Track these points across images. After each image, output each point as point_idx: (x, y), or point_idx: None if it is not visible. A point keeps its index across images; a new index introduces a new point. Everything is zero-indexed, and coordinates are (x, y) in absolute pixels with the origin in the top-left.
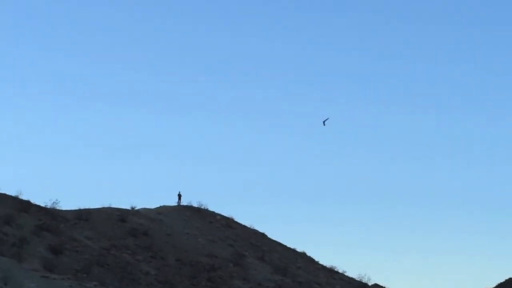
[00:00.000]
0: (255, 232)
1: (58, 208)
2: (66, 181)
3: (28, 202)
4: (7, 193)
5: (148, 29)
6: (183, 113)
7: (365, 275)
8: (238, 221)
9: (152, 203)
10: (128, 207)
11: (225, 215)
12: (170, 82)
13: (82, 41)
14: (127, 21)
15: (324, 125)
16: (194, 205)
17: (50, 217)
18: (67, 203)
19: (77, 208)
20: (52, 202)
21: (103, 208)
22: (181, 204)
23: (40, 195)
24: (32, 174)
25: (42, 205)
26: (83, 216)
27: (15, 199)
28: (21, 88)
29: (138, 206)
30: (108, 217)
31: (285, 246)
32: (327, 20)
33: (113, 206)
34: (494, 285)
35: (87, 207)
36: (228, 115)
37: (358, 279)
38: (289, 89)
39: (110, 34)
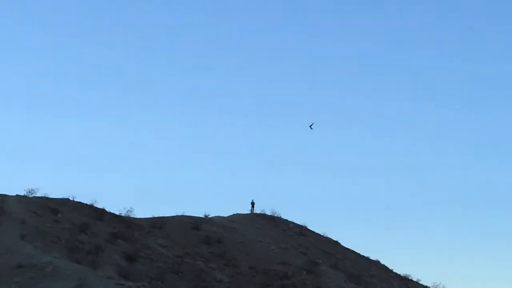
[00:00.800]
0: (328, 240)
1: (132, 216)
2: (140, 189)
3: (103, 210)
4: (82, 202)
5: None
6: (258, 119)
7: (440, 283)
8: (311, 229)
9: (225, 211)
10: (202, 215)
11: (298, 223)
12: (246, 84)
13: (161, 44)
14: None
15: (311, 129)
16: (267, 213)
17: (125, 225)
18: (141, 211)
19: (151, 216)
20: (126, 210)
21: (177, 216)
22: (254, 212)
23: (114, 203)
24: (107, 183)
25: (117, 213)
26: (157, 224)
27: (90, 207)
28: (93, 96)
29: (212, 214)
30: (182, 225)
31: (358, 254)
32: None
33: (187, 214)
34: None
35: (161, 215)
36: (300, 120)
37: None
38: (367, 90)
39: (183, 34)
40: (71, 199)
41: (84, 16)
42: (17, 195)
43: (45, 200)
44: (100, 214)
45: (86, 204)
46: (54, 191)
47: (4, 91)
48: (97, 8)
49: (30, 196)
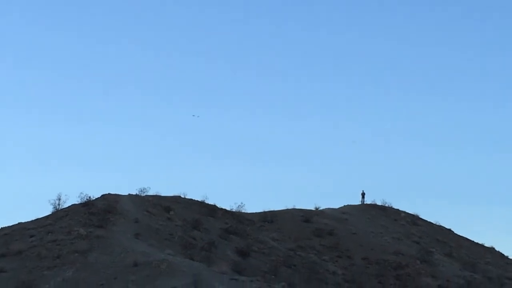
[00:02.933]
0: (441, 228)
1: (243, 211)
2: (250, 184)
3: (214, 206)
4: (193, 199)
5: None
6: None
7: None
8: (423, 217)
9: (336, 203)
10: (312, 208)
11: (409, 212)
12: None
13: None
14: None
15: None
16: (378, 203)
17: (236, 220)
18: (252, 206)
19: (262, 211)
20: (237, 205)
21: (288, 209)
22: (364, 202)
23: (225, 199)
24: (217, 179)
25: (228, 208)
26: (268, 218)
27: (202, 204)
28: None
29: (322, 206)
30: (293, 218)
31: (472, 241)
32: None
33: (297, 207)
34: None
35: (272, 209)
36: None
37: None
38: None
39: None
40: (182, 196)
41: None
42: (129, 194)
43: (157, 198)
44: (212, 210)
45: (198, 201)
46: (166, 189)
47: (120, 94)
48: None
49: (142, 195)
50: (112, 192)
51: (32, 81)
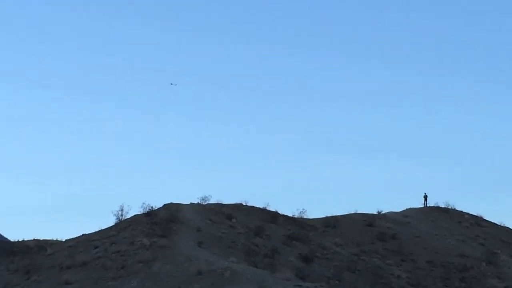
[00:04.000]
0: (506, 229)
1: (305, 217)
2: (312, 189)
3: (276, 213)
4: (255, 206)
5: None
6: (414, 112)
7: None
8: (487, 218)
9: (398, 206)
10: (375, 212)
11: (473, 213)
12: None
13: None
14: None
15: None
16: (440, 206)
17: (299, 226)
18: (314, 211)
19: (324, 216)
20: (299, 211)
21: (350, 214)
22: (427, 205)
23: (287, 205)
24: (278, 185)
25: (290, 215)
26: (330, 223)
27: (264, 211)
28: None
29: (384, 210)
30: (355, 222)
31: None
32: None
33: (360, 211)
34: None
35: (334, 214)
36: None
37: None
38: None
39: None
40: (244, 204)
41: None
42: (191, 203)
43: (219, 206)
44: (274, 217)
45: (259, 208)
46: (227, 197)
47: (176, 101)
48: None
49: (204, 203)
50: (173, 201)
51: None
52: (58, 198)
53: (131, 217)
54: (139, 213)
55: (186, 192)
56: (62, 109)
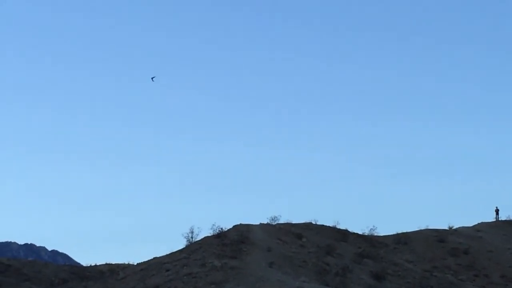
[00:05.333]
0: None
1: (376, 234)
2: (382, 206)
3: (346, 231)
4: (325, 224)
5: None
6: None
7: None
8: None
9: (469, 221)
10: (446, 227)
11: None
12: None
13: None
14: None
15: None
16: None
17: (369, 244)
18: (385, 228)
19: (395, 233)
20: (369, 228)
21: (421, 230)
22: (499, 219)
23: (357, 223)
24: (348, 203)
25: (360, 232)
26: (401, 240)
27: (334, 229)
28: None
29: (456, 225)
30: (426, 238)
31: None
32: None
33: (431, 227)
34: None
35: (404, 231)
36: None
37: None
38: None
39: None
40: (313, 222)
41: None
42: (261, 223)
43: (288, 226)
44: (344, 235)
45: (329, 226)
46: (297, 217)
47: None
48: None
49: (273, 223)
50: (243, 222)
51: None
52: (129, 222)
53: (202, 239)
54: (209, 235)
55: (256, 213)
56: (128, 137)
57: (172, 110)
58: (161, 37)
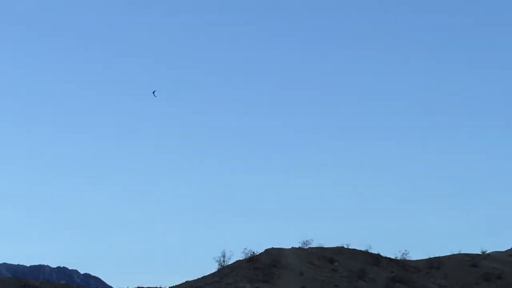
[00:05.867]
0: None
1: (408, 258)
2: (414, 230)
3: (378, 255)
4: (357, 249)
5: None
6: None
7: None
8: None
9: (503, 245)
10: (479, 252)
11: None
12: None
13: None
14: None
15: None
16: None
17: (402, 268)
18: (417, 253)
19: (427, 257)
20: (401, 253)
21: (454, 254)
22: None
23: (389, 247)
24: (380, 227)
25: (392, 257)
26: (434, 264)
27: (366, 253)
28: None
29: (489, 249)
30: (459, 263)
31: None
32: None
33: (463, 251)
34: None
35: (437, 255)
36: None
37: None
38: None
39: None
40: (345, 247)
41: None
42: (292, 247)
43: (320, 250)
44: (376, 259)
45: (361, 250)
46: (329, 240)
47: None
48: None
49: (305, 247)
50: (275, 246)
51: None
52: (161, 245)
53: (234, 263)
54: (241, 258)
55: (287, 236)
56: (160, 161)
57: (201, 132)
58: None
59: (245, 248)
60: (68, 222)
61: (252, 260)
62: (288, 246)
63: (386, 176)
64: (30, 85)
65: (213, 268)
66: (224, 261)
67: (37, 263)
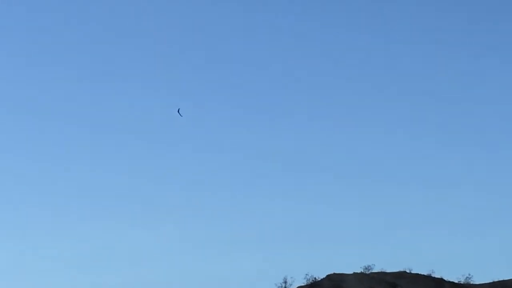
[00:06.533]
0: None
1: (471, 282)
2: (477, 253)
3: (441, 279)
4: (419, 273)
5: None
6: None
7: None
8: None
9: None
10: None
11: None
12: None
13: None
14: None
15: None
16: None
17: None
18: (480, 276)
19: (491, 281)
20: (465, 277)
21: None
22: None
23: (452, 271)
24: (442, 251)
25: (456, 281)
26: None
27: (428, 278)
28: None
29: None
30: None
31: None
32: None
33: None
34: None
35: (501, 279)
36: None
37: None
38: None
39: None
40: (407, 271)
41: None
42: (354, 272)
43: (382, 275)
44: (439, 283)
45: (423, 275)
46: (390, 265)
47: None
48: None
49: (367, 272)
50: (336, 271)
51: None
52: (222, 271)
53: None
54: (302, 284)
55: (349, 261)
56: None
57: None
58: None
59: (306, 274)
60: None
61: (313, 286)
62: (350, 271)
63: (448, 198)
64: None
65: None
66: (285, 287)
67: None
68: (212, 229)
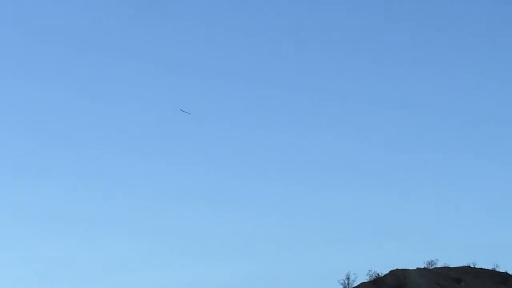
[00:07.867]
0: None
1: None
2: None
3: (506, 274)
4: (484, 267)
5: None
6: None
7: None
8: None
9: None
10: None
11: None
12: None
13: None
14: None
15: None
16: None
17: None
18: None
19: None
20: None
21: None
22: None
23: None
24: (507, 245)
25: None
26: None
27: (493, 272)
28: None
29: None
30: None
31: None
32: None
33: None
34: None
35: None
36: None
37: None
38: None
39: None
40: (472, 266)
41: None
42: (417, 268)
43: (445, 270)
44: (505, 278)
45: (488, 269)
46: (454, 260)
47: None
48: None
49: (430, 267)
50: (399, 267)
51: None
52: (286, 268)
53: (358, 285)
54: (365, 280)
55: (412, 257)
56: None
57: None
58: None
59: (369, 270)
60: None
61: (377, 282)
62: (413, 267)
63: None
64: None
65: None
66: (348, 284)
67: None
68: (275, 227)
